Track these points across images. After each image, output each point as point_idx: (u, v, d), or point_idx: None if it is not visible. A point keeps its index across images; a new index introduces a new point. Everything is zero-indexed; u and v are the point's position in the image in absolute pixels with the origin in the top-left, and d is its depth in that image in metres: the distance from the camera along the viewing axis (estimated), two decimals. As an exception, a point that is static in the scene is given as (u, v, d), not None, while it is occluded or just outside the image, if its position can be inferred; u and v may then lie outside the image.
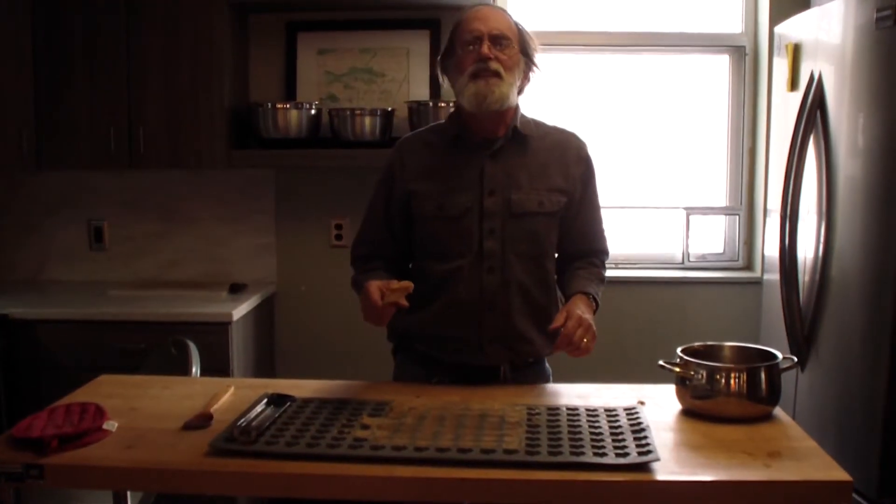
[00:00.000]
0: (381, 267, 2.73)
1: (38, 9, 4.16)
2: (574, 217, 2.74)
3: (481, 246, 2.62)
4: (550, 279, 2.74)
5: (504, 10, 2.72)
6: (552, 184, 2.67)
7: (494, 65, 2.56)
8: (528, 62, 2.67)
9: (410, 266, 2.80)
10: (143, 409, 2.39)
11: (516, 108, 2.70)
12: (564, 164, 2.70)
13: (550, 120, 2.80)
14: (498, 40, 2.58)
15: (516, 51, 2.62)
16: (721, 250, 4.65)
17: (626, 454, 2.00)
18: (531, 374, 2.74)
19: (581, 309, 2.49)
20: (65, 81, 4.19)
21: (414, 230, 2.74)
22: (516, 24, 2.67)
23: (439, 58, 2.75)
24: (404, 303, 2.44)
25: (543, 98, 4.47)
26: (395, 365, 2.90)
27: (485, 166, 2.64)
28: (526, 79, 2.70)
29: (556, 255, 2.78)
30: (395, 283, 2.45)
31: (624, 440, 2.09)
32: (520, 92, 2.68)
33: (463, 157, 2.67)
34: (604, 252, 2.84)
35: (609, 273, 4.19)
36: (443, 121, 2.82)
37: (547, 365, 2.82)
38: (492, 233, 2.62)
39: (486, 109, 2.58)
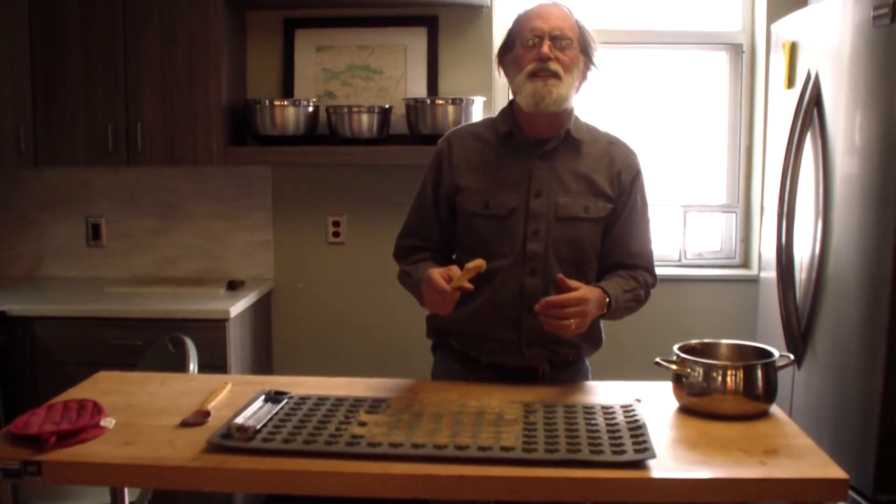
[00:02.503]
0: (428, 258, 2.71)
1: (35, 5, 4.16)
2: (614, 225, 2.69)
3: (524, 247, 2.60)
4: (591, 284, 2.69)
5: (567, 8, 2.65)
6: (599, 190, 2.64)
7: (554, 65, 2.54)
8: (587, 62, 2.64)
9: (454, 258, 2.77)
10: (141, 406, 2.39)
11: (571, 110, 2.67)
12: (613, 172, 2.67)
13: (603, 125, 2.77)
14: (559, 40, 2.55)
15: (577, 51, 2.60)
16: (718, 248, 4.65)
17: (623, 451, 2.01)
18: (570, 373, 2.72)
19: (593, 300, 2.45)
20: (62, 78, 4.19)
21: (457, 225, 2.72)
22: (578, 23, 2.63)
23: (497, 51, 2.71)
24: (469, 286, 2.41)
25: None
26: (434, 362, 2.87)
27: (534, 167, 2.62)
28: (584, 78, 2.66)
29: (598, 265, 2.73)
30: (458, 269, 2.42)
31: (621, 437, 2.10)
32: (576, 91, 2.65)
33: (512, 155, 2.65)
34: (647, 270, 2.73)
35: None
36: (494, 116, 2.78)
37: (587, 363, 2.81)
38: (536, 234, 2.60)
39: (543, 111, 2.56)
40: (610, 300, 2.54)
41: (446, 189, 2.70)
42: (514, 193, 2.61)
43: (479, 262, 2.40)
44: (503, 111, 2.73)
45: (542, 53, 2.53)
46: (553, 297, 2.41)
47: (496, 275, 2.59)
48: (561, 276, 2.44)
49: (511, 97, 2.70)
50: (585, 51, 2.62)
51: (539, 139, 2.64)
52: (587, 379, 2.78)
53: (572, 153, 2.65)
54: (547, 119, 2.61)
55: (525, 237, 2.60)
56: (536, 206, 2.60)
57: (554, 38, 2.55)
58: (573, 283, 2.43)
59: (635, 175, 2.72)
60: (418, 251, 2.75)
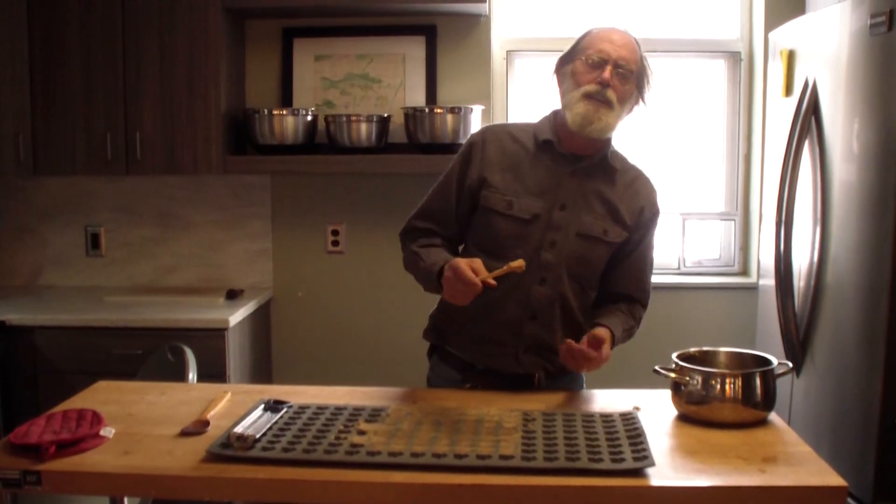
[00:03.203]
0: (440, 245, 2.70)
1: (34, 15, 4.17)
2: (626, 257, 2.73)
3: (538, 255, 2.60)
4: (589, 307, 2.73)
5: (636, 40, 2.66)
6: (620, 218, 2.67)
7: (610, 93, 2.55)
8: (639, 97, 2.66)
9: (460, 251, 2.78)
10: (140, 415, 2.39)
11: (611, 137, 2.68)
12: (636, 206, 2.70)
13: (632, 158, 2.80)
14: (621, 69, 2.57)
15: (634, 85, 2.62)
16: (717, 256, 4.66)
17: (622, 459, 2.01)
18: (566, 381, 2.73)
19: (607, 349, 2.51)
20: (61, 88, 4.20)
21: (473, 219, 2.72)
22: (642, 57, 2.65)
23: (558, 60, 2.70)
24: (494, 282, 2.41)
25: (541, 102, 4.48)
26: (430, 367, 2.87)
27: (563, 179, 2.63)
28: (631, 112, 2.68)
29: (598, 290, 2.77)
30: (480, 262, 2.43)
31: (620, 445, 2.10)
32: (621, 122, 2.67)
33: (545, 163, 2.66)
34: (643, 307, 2.81)
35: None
36: (535, 122, 2.77)
37: (582, 374, 2.80)
38: (552, 245, 2.61)
39: (588, 135, 2.58)
40: (614, 340, 2.60)
41: (473, 181, 2.69)
42: (539, 200, 2.62)
43: (520, 263, 2.44)
44: (546, 119, 2.73)
45: (604, 79, 2.55)
46: (582, 350, 2.46)
47: (505, 278, 2.59)
48: (596, 333, 2.49)
49: (558, 108, 2.70)
50: (640, 86, 2.65)
51: (575, 154, 2.65)
52: (582, 388, 2.79)
53: (604, 177, 2.68)
54: (589, 140, 2.62)
55: (541, 246, 2.61)
56: (559, 217, 2.61)
57: (617, 66, 2.56)
58: (602, 337, 2.49)
59: (655, 213, 2.76)
60: (430, 235, 2.73)
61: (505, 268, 2.42)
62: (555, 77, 2.71)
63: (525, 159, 2.67)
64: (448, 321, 2.72)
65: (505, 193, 2.63)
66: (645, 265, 2.79)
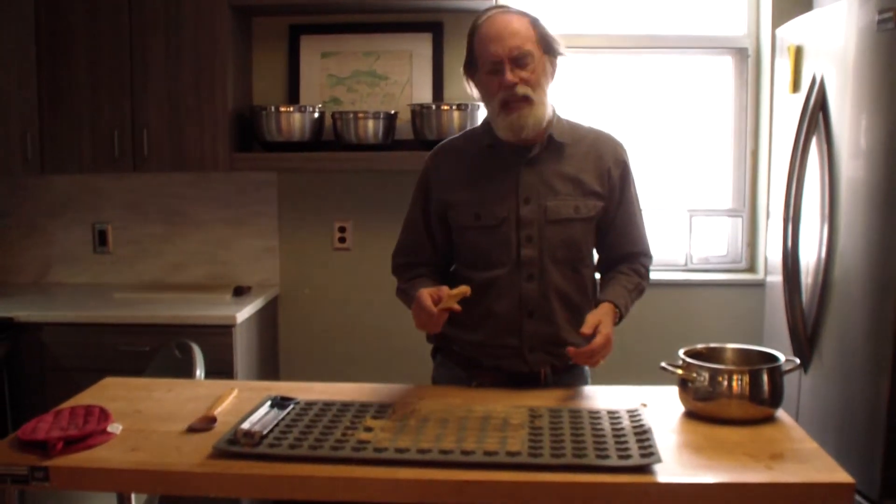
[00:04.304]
0: (424, 274, 2.72)
1: (41, 13, 4.18)
2: (612, 220, 2.72)
3: (519, 254, 2.61)
4: (588, 284, 2.72)
5: (518, 14, 2.58)
6: (588, 188, 2.65)
7: (522, 89, 2.51)
8: (553, 59, 2.61)
9: (452, 270, 2.79)
10: (148, 412, 2.40)
11: (552, 112, 2.66)
12: (601, 168, 2.67)
13: (587, 120, 2.76)
14: (519, 60, 2.51)
15: (540, 59, 2.56)
16: (724, 252, 4.65)
17: (629, 456, 2.00)
18: (572, 376, 2.73)
19: (608, 326, 2.49)
20: (68, 85, 4.20)
21: (453, 238, 2.73)
22: (533, 25, 2.57)
23: (463, 66, 2.68)
24: (457, 307, 2.44)
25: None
26: (435, 366, 2.87)
27: (520, 174, 2.62)
28: (553, 76, 2.64)
29: (599, 258, 2.79)
30: (448, 290, 2.46)
31: (626, 442, 2.09)
32: (549, 94, 2.63)
33: (498, 164, 2.65)
34: (645, 255, 2.80)
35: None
36: (477, 126, 2.78)
37: (587, 367, 2.81)
38: (529, 240, 2.61)
39: (525, 138, 2.57)
40: (620, 309, 2.59)
41: (436, 206, 2.71)
42: (503, 202, 2.61)
43: (464, 289, 2.45)
44: (485, 122, 2.72)
45: (507, 82, 2.51)
46: (581, 353, 2.46)
47: (494, 284, 2.62)
48: (583, 329, 2.46)
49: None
50: (549, 50, 2.59)
51: (522, 146, 2.63)
52: (587, 383, 2.79)
53: (557, 156, 2.65)
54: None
55: (519, 244, 2.61)
56: (527, 212, 2.61)
57: (514, 59, 2.51)
58: (588, 324, 2.47)
59: (624, 167, 2.72)
60: (414, 267, 2.77)
61: (456, 291, 2.45)
62: (470, 85, 2.69)
63: (478, 168, 2.67)
64: (449, 330, 2.70)
65: (470, 207, 2.64)
66: (634, 219, 2.76)
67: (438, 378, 2.84)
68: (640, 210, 2.79)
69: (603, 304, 2.59)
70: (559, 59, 2.64)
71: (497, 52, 2.51)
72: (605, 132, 2.76)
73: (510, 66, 2.51)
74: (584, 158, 2.67)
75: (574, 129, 2.72)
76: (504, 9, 2.61)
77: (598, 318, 2.49)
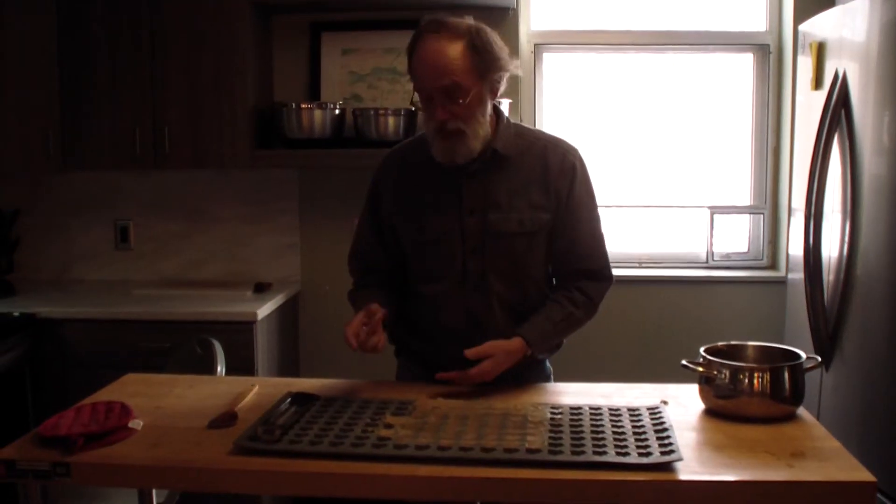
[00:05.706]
0: (374, 283, 2.70)
1: (62, 12, 4.21)
2: (561, 233, 2.61)
3: (464, 267, 2.57)
4: (534, 297, 2.63)
5: (453, 37, 2.41)
6: (533, 201, 2.56)
7: (452, 124, 2.43)
8: (494, 81, 2.49)
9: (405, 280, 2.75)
10: (168, 408, 2.41)
11: (496, 124, 2.57)
12: (546, 179, 2.56)
13: (539, 127, 2.68)
14: (451, 92, 2.41)
15: (474, 89, 2.43)
16: (745, 249, 4.63)
17: (649, 454, 2.00)
18: (531, 375, 2.69)
19: (497, 364, 2.45)
20: (89, 83, 4.23)
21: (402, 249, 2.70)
22: (469, 48, 2.41)
23: (408, 71, 2.56)
24: (380, 348, 2.46)
25: (568, 99, 4.48)
26: (398, 365, 2.86)
27: (463, 186, 2.56)
28: (495, 95, 2.52)
29: (550, 271, 2.70)
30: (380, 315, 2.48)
31: (647, 440, 2.09)
32: (487, 116, 2.52)
33: (442, 177, 2.57)
34: (593, 274, 2.64)
35: (633, 272, 4.18)
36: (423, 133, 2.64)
37: (547, 364, 2.79)
38: (473, 253, 2.56)
39: (459, 163, 2.50)
40: (531, 347, 2.52)
41: (384, 217, 2.68)
42: (447, 215, 2.57)
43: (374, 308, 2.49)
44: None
45: (438, 118, 2.43)
46: (461, 377, 2.45)
47: (441, 296, 2.60)
48: (468, 353, 2.44)
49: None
50: (487, 73, 2.45)
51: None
52: (549, 380, 2.77)
53: (500, 169, 2.56)
54: None
55: (464, 257, 2.57)
56: (471, 224, 2.55)
57: (444, 92, 2.41)
58: (480, 352, 2.45)
59: (572, 177, 2.58)
60: (366, 274, 2.76)
61: (368, 340, 2.48)
62: (415, 93, 2.56)
63: (423, 180, 2.62)
64: (405, 334, 2.71)
65: (414, 219, 2.61)
66: (581, 234, 2.62)
67: (402, 377, 2.82)
68: (593, 223, 2.66)
69: (515, 338, 2.51)
70: (504, 74, 2.51)
71: (425, 85, 2.44)
72: (554, 139, 2.65)
73: (441, 99, 2.42)
74: (530, 170, 2.57)
75: (521, 136, 2.63)
76: (439, 29, 2.43)
77: (495, 351, 2.45)
